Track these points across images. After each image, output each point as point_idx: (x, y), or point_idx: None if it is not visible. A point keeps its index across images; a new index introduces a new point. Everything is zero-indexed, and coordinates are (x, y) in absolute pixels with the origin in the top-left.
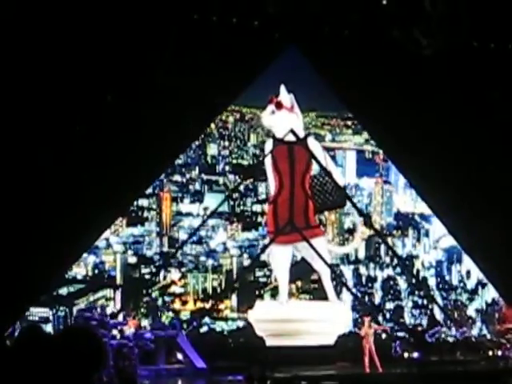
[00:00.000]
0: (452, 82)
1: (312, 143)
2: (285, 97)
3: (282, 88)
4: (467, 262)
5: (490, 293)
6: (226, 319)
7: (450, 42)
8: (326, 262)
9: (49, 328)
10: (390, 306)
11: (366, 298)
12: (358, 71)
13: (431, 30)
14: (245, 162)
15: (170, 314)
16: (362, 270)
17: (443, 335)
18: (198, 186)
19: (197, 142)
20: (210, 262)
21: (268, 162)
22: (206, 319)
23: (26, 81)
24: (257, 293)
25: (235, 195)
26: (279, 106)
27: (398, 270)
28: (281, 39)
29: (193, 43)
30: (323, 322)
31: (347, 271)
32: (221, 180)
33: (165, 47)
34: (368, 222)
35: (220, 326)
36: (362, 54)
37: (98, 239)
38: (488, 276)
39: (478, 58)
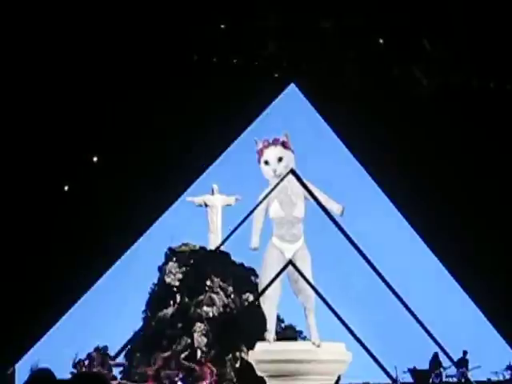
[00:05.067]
0: (452, 121)
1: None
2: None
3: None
4: None
5: None
6: None
7: (450, 81)
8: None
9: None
10: None
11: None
12: (357, 108)
13: (431, 68)
14: None
15: None
16: None
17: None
18: None
19: None
20: None
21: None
22: None
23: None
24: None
25: None
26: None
27: None
28: (281, 78)
29: (192, 84)
30: (323, 362)
31: None
32: None
33: (164, 90)
34: None
35: None
36: (361, 91)
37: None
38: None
39: (478, 97)
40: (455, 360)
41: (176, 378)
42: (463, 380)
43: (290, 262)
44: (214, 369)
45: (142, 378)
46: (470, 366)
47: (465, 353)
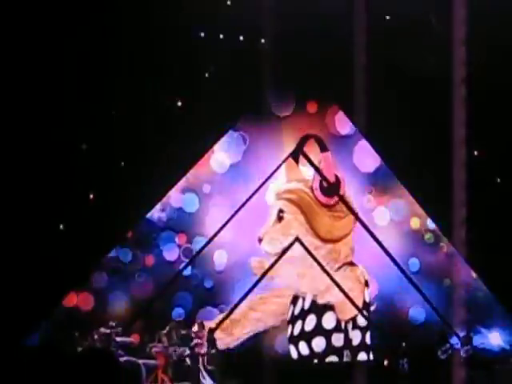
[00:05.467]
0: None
1: None
2: None
3: None
4: None
5: None
6: None
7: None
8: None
9: None
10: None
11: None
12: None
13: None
14: None
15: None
16: None
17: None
18: None
19: None
20: None
21: None
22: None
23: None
24: None
25: None
26: None
27: None
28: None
29: (199, 61)
30: None
31: None
32: None
33: (170, 67)
34: None
35: None
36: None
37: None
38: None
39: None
40: (461, 337)
41: (185, 354)
42: (468, 357)
43: (297, 239)
44: (205, 333)
45: (150, 355)
46: (474, 343)
47: (468, 330)
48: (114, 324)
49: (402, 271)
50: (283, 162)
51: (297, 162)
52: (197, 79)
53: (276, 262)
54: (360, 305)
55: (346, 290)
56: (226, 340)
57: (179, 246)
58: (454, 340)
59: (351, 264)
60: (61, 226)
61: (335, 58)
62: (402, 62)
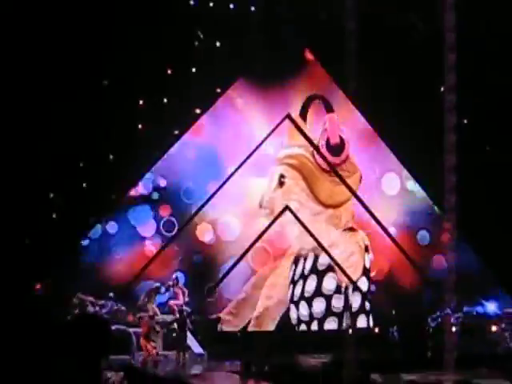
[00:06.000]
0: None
1: None
2: None
3: None
4: None
5: None
6: None
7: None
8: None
9: None
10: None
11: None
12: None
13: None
14: None
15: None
16: None
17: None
18: None
19: None
20: None
21: None
22: None
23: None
24: None
25: None
26: None
27: None
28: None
29: (189, 30)
30: None
31: None
32: None
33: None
34: None
35: None
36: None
37: None
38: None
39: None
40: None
41: (174, 324)
42: (459, 325)
43: (287, 208)
44: (185, 289)
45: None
46: (464, 310)
47: (459, 298)
48: (112, 295)
49: (398, 246)
50: (271, 132)
51: (305, 120)
52: (187, 47)
53: (266, 229)
54: (360, 270)
55: (347, 255)
56: (233, 322)
57: (159, 219)
58: (445, 308)
59: (352, 229)
60: (51, 195)
61: (324, 21)
62: (393, 28)
